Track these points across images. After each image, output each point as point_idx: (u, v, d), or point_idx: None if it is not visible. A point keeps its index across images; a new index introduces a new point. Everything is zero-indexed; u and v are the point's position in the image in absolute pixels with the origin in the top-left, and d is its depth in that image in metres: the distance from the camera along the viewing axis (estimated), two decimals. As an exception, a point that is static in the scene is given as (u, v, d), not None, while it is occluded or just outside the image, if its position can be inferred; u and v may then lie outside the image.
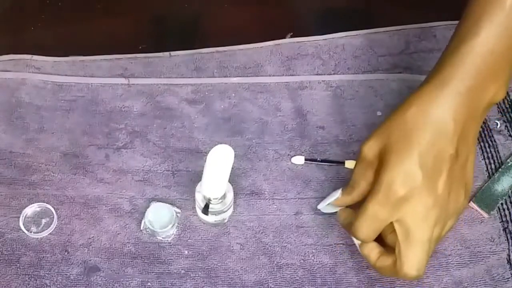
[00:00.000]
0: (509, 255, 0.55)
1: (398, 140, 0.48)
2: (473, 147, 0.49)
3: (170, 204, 0.56)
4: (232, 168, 0.50)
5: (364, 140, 0.50)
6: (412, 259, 0.47)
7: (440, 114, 0.47)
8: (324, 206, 0.55)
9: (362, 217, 0.48)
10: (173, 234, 0.56)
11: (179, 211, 0.57)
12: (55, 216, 0.55)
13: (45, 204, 0.56)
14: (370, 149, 0.50)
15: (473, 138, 0.49)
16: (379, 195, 0.47)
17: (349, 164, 0.60)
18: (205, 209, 0.53)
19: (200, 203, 0.53)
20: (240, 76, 0.66)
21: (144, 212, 0.55)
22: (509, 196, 0.58)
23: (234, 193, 0.54)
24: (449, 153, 0.47)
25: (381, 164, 0.48)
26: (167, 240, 0.55)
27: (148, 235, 0.55)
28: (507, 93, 0.65)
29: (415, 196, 0.46)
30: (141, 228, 0.55)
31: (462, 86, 0.47)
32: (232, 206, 0.56)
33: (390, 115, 0.49)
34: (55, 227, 0.55)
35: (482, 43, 0.47)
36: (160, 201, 0.57)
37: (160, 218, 0.55)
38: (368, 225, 0.48)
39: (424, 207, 0.46)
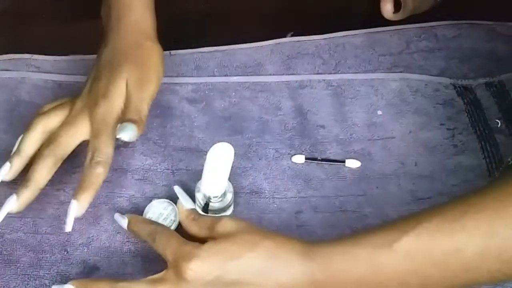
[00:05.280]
0: (510, 254, 0.55)
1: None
2: None
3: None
4: (232, 167, 0.50)
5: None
6: None
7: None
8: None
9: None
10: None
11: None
12: None
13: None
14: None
15: None
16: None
17: (350, 163, 0.60)
18: (205, 208, 0.53)
19: (200, 202, 0.53)
20: (241, 75, 0.66)
21: (144, 211, 0.55)
22: (510, 195, 0.58)
23: (234, 192, 0.54)
24: None
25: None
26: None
27: None
28: (508, 91, 0.65)
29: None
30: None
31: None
32: (232, 205, 0.55)
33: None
34: (55, 227, 0.55)
35: None
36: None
37: (160, 215, 0.55)
38: None
39: None
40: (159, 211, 0.55)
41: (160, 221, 0.54)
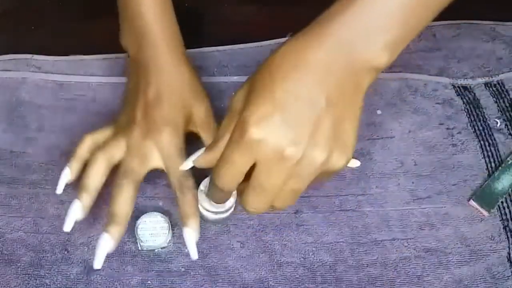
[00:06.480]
0: (509, 253, 0.55)
1: (262, 81, 0.43)
2: (351, 107, 0.44)
3: (163, 209, 0.56)
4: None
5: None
6: (251, 202, 0.45)
7: (311, 59, 0.42)
8: (189, 164, 0.50)
9: (220, 163, 0.45)
10: (170, 241, 0.55)
11: (167, 217, 0.55)
12: None
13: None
14: (238, 100, 0.45)
15: (350, 98, 0.44)
16: (233, 137, 0.43)
17: (349, 162, 0.59)
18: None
19: (201, 201, 0.53)
20: (241, 75, 0.66)
21: (144, 211, 0.55)
22: (509, 195, 0.58)
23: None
24: (316, 102, 0.42)
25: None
26: (168, 245, 0.55)
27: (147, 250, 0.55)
28: (507, 91, 0.65)
29: (269, 140, 0.41)
30: (139, 249, 0.55)
31: (343, 36, 0.42)
32: (234, 205, 0.56)
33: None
34: (56, 227, 0.55)
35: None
36: (159, 200, 0.57)
37: (151, 235, 0.54)
38: (227, 171, 0.44)
39: (276, 152, 0.42)
40: (147, 229, 0.54)
41: (152, 241, 0.54)
